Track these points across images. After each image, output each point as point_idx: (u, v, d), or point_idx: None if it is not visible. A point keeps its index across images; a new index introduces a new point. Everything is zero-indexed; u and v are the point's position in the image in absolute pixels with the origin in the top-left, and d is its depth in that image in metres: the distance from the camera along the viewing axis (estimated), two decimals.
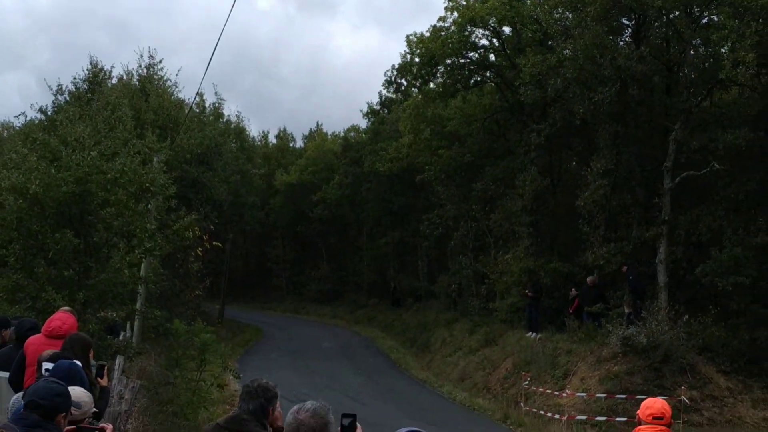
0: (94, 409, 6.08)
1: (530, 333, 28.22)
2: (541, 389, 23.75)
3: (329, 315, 53.31)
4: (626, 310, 24.83)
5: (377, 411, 22.28)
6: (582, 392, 22.58)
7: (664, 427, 6.02)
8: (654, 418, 6.06)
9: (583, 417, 21.25)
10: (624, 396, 21.67)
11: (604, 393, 22.02)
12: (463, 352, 31.90)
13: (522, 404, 23.55)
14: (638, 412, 6.32)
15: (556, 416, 21.55)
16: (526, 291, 28.65)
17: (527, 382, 24.19)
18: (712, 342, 24.81)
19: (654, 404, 6.21)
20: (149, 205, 18.81)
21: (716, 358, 24.55)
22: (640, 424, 6.19)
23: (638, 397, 21.19)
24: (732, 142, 24.21)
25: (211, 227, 35.96)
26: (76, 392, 5.58)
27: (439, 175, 36.68)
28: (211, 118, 46.34)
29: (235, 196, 47.93)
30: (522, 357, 26.76)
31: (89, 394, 6.15)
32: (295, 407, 3.95)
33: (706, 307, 26.60)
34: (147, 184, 16.10)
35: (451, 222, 38.67)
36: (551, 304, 29.58)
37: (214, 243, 34.68)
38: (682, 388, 21.55)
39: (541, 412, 22.35)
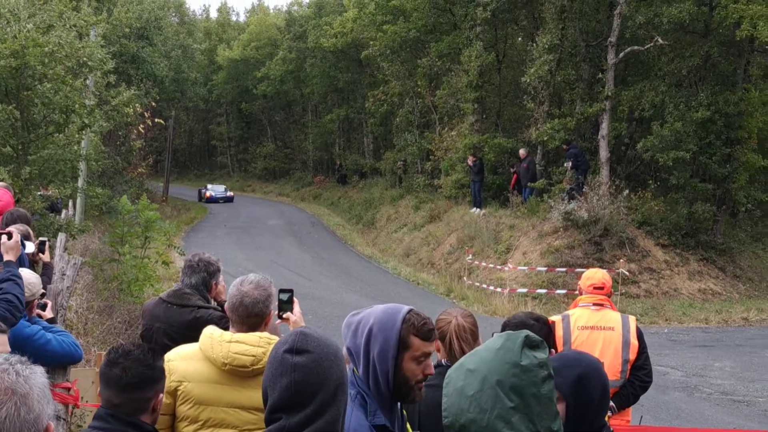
0: (42, 290, 6.03)
1: (474, 209, 28.50)
2: (484, 264, 24.16)
3: (275, 192, 53.34)
4: (567, 186, 25.11)
5: (323, 286, 22.57)
6: (524, 266, 23.05)
7: (604, 297, 6.17)
8: (594, 288, 6.19)
9: (525, 290, 21.74)
10: (564, 269, 22.19)
11: (545, 266, 22.49)
12: (408, 229, 32.25)
13: (465, 278, 23.99)
14: (579, 282, 6.44)
15: (498, 289, 22.02)
16: (469, 163, 28.68)
17: (470, 257, 24.58)
18: (651, 216, 25.38)
19: (595, 275, 6.34)
20: (87, 81, 18.37)
21: (655, 232, 25.16)
22: (581, 295, 6.31)
23: (578, 270, 21.75)
24: (676, 16, 24.17)
25: (153, 104, 35.39)
26: (24, 274, 5.52)
27: (384, 51, 36.21)
28: None
29: (177, 72, 47.07)
30: (466, 232, 27.12)
31: (36, 275, 6.09)
32: (238, 279, 3.96)
33: (646, 181, 27.14)
34: (84, 59, 15.65)
35: (397, 99, 38.51)
36: (495, 180, 29.81)
37: (156, 120, 34.18)
38: (621, 261, 22.07)
39: (484, 285, 22.80)
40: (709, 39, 25.85)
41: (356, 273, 25.92)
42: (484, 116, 32.39)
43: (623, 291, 21.71)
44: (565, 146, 25.69)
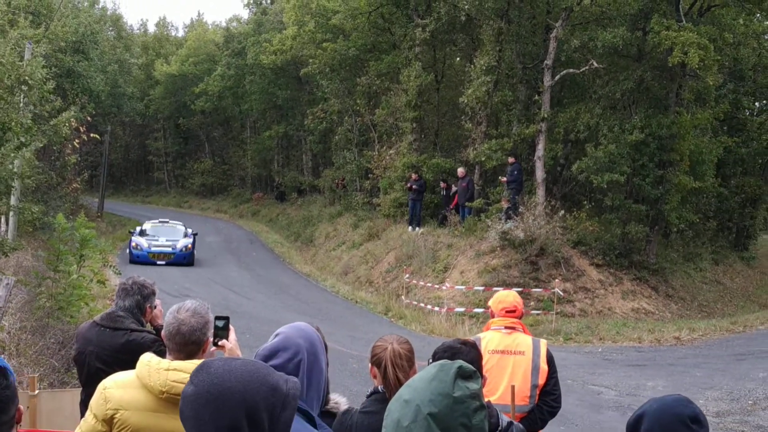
0: None
1: (412, 227, 28.64)
2: (422, 282, 24.27)
3: (213, 209, 52.96)
4: (504, 206, 25.37)
5: (260, 304, 22.45)
6: (461, 285, 23.21)
7: (516, 320, 6.17)
8: (507, 311, 6.18)
9: (462, 309, 21.89)
10: (501, 289, 22.31)
11: (482, 285, 22.67)
12: (346, 247, 32.26)
13: (403, 297, 24.07)
14: (490, 305, 6.42)
15: (436, 308, 22.12)
16: (409, 185, 28.88)
17: (408, 276, 24.68)
18: (586, 236, 25.79)
19: (506, 298, 6.33)
20: (24, 98, 18.11)
21: (589, 252, 25.57)
22: (492, 317, 6.30)
23: (514, 289, 21.95)
24: (610, 41, 24.69)
25: (89, 118, 34.92)
26: None
27: (323, 69, 36.27)
28: (86, 4, 44.43)
29: (113, 87, 46.58)
30: (404, 251, 27.24)
31: None
32: (175, 307, 3.95)
33: (581, 202, 27.54)
34: (25, 77, 15.44)
35: (336, 116, 38.57)
36: (433, 199, 30.00)
37: (91, 135, 33.69)
38: (556, 280, 22.36)
39: (422, 304, 22.90)
40: (642, 63, 26.41)
41: (294, 291, 25.84)
42: (423, 135, 32.64)
43: (558, 310, 22.00)
44: (511, 159, 25.86)
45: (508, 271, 23.60)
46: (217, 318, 4.19)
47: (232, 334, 4.24)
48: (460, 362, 2.61)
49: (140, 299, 5.24)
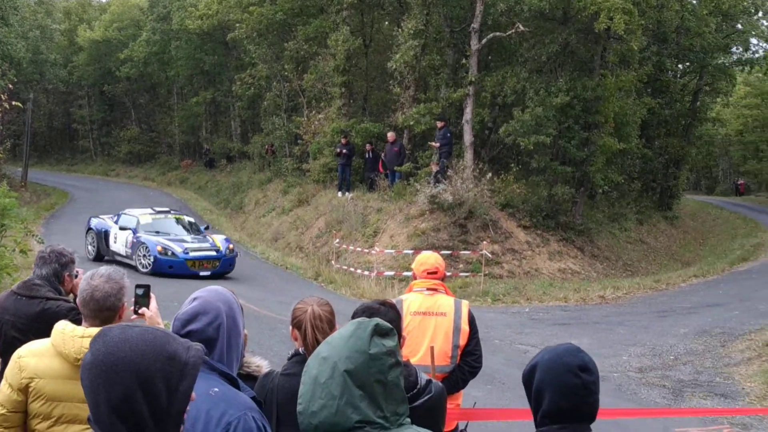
0: None
1: (342, 193, 28.64)
2: (351, 247, 24.34)
3: (140, 177, 52.21)
4: (434, 169, 25.50)
5: None
6: (391, 249, 23.33)
7: (437, 282, 6.22)
8: (428, 273, 6.23)
9: (392, 272, 22.02)
10: (430, 252, 22.51)
11: (411, 249, 22.78)
12: (276, 213, 32.15)
13: (333, 262, 24.12)
14: (413, 267, 6.47)
15: (366, 273, 22.22)
16: (338, 150, 28.82)
17: (338, 241, 24.72)
18: (514, 198, 26.08)
19: (428, 259, 6.38)
20: None
21: (517, 214, 25.88)
22: (415, 279, 6.35)
23: (443, 252, 22.16)
24: (536, 4, 24.85)
25: (10, 86, 34.01)
26: None
27: (250, 34, 35.83)
28: None
29: (35, 54, 45.46)
30: (334, 216, 27.24)
31: None
32: (89, 273, 3.92)
33: (509, 165, 27.84)
34: None
35: (264, 82, 38.22)
36: (362, 164, 30.00)
37: (13, 103, 32.82)
38: (485, 242, 22.58)
39: (352, 269, 22.98)
40: (567, 26, 26.66)
41: None
42: (352, 100, 32.56)
43: (487, 272, 22.27)
44: (440, 123, 25.89)
45: (437, 234, 23.77)
46: (138, 286, 4.17)
47: (153, 302, 4.22)
48: (377, 320, 2.66)
49: (58, 267, 5.18)
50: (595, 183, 28.14)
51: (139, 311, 4.13)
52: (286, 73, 35.35)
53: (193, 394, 2.29)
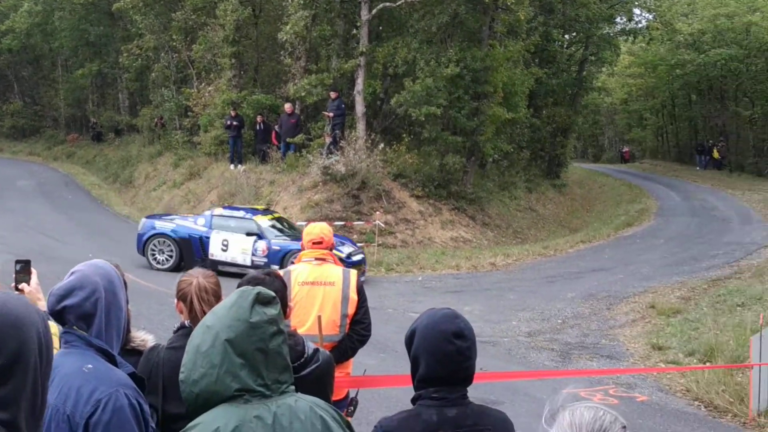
0: None
1: (234, 165, 28.36)
2: None
3: (25, 152, 50.52)
4: (327, 141, 25.49)
5: (77, 248, 21.73)
6: None
7: (325, 251, 6.27)
8: (313, 243, 6.28)
9: None
10: (324, 223, 22.54)
11: (305, 221, 22.66)
12: (167, 186, 31.62)
13: None
14: (302, 239, 6.52)
15: None
16: (227, 122, 28.47)
17: None
18: (406, 168, 26.31)
19: (313, 230, 6.42)
20: None
21: (409, 184, 26.14)
22: (303, 250, 6.40)
23: (337, 223, 22.26)
24: None
25: None
26: None
27: (136, 4, 34.94)
28: None
29: None
30: (226, 189, 26.97)
31: None
32: None
33: (401, 135, 27.98)
34: None
35: (152, 53, 37.38)
36: (254, 136, 29.73)
37: None
38: (378, 213, 22.76)
39: None
40: None
41: (113, 233, 25.13)
42: (242, 71, 32.15)
43: (380, 242, 22.46)
44: (333, 94, 25.83)
45: (331, 205, 23.84)
46: (17, 262, 4.08)
47: (33, 278, 4.14)
48: (259, 289, 2.68)
49: None
50: (485, 152, 28.59)
51: (19, 287, 4.05)
52: (174, 44, 34.66)
53: None
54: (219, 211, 20.38)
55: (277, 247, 19.12)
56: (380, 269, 20.66)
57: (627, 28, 43.43)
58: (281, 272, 5.81)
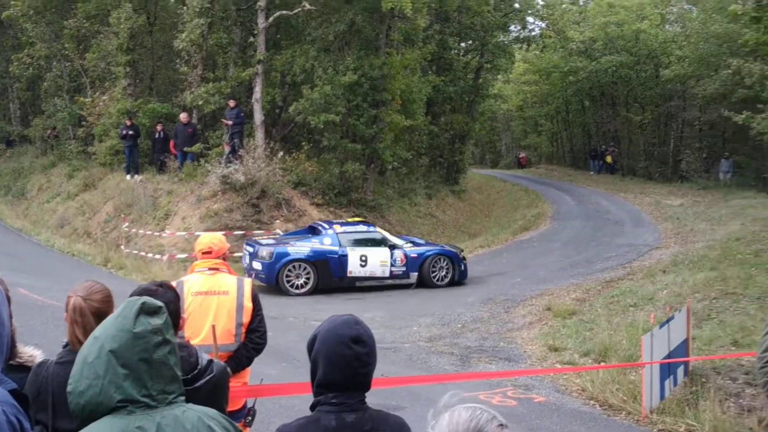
0: None
1: (130, 175, 27.86)
2: (142, 231, 23.79)
3: None
4: (226, 149, 25.29)
5: None
6: (183, 231, 22.98)
7: (218, 261, 6.23)
8: (203, 253, 6.25)
9: (185, 255, 21.69)
10: (223, 232, 22.34)
11: (204, 231, 22.51)
12: (61, 198, 30.86)
13: (123, 247, 23.49)
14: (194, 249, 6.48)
15: (158, 256, 21.81)
16: (122, 132, 27.94)
17: (127, 225, 24.10)
18: (306, 176, 26.31)
19: (203, 240, 6.38)
20: None
21: (310, 192, 26.14)
22: (196, 260, 6.36)
23: (236, 232, 22.11)
24: None
25: None
26: None
27: (27, 12, 34.07)
28: None
29: None
30: (122, 200, 26.49)
31: None
32: None
33: (300, 143, 27.97)
34: None
35: (44, 62, 36.46)
36: (151, 145, 29.28)
37: None
38: (278, 221, 22.69)
39: (143, 253, 22.47)
40: (353, 5, 27.00)
41: (5, 248, 24.44)
42: (138, 80, 31.64)
43: None
44: (232, 102, 25.62)
45: (230, 214, 23.64)
46: None
47: None
48: (145, 298, 2.67)
49: None
50: (384, 159, 28.78)
51: None
52: (67, 53, 33.86)
53: None
54: (338, 228, 19.96)
55: (415, 255, 19.86)
56: None
57: (521, 36, 44.34)
58: (174, 284, 5.75)
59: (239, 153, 24.50)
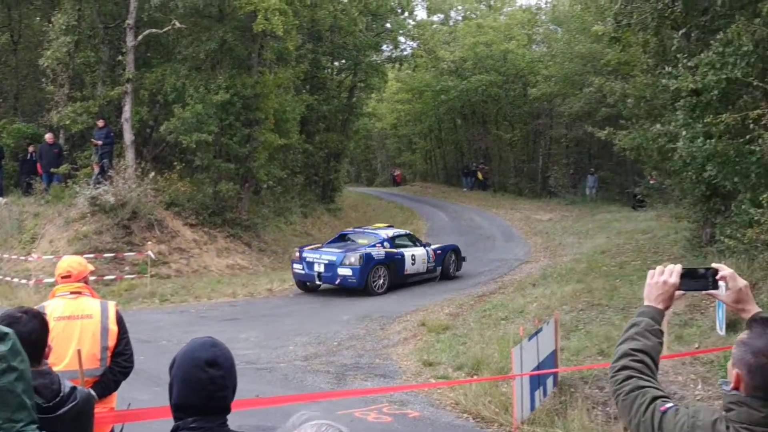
0: None
1: None
2: (7, 255, 22.96)
3: None
4: (95, 170, 24.72)
5: None
6: (50, 255, 22.27)
7: (80, 284, 6.11)
8: (62, 277, 6.13)
9: (52, 279, 21.01)
10: (93, 255, 21.80)
11: (73, 254, 21.90)
12: None
13: None
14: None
15: (24, 281, 21.08)
16: None
17: None
18: (179, 197, 25.97)
19: (61, 264, 6.25)
20: None
21: (183, 212, 25.79)
22: (57, 285, 6.22)
23: (106, 255, 21.62)
24: (190, 1, 24.83)
25: None
26: None
27: None
28: None
29: None
30: None
31: None
32: None
33: (173, 163, 27.58)
34: None
35: None
36: (15, 167, 28.31)
37: None
38: (150, 243, 22.27)
39: (8, 278, 21.68)
40: (224, 24, 26.86)
41: None
42: (1, 99, 30.64)
43: (154, 273, 22.00)
44: (101, 122, 25.03)
45: (100, 237, 23.08)
46: None
47: None
48: None
49: None
50: (259, 178, 28.65)
51: None
52: None
53: None
54: (388, 233, 22.75)
55: (439, 252, 23.24)
56: (154, 300, 20.21)
57: (393, 56, 44.86)
58: (37, 308, 5.59)
59: (109, 174, 23.96)
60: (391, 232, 22.78)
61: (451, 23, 56.66)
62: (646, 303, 3.06)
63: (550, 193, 46.89)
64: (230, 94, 25.82)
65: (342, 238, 23.15)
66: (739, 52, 13.53)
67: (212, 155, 26.89)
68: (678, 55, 15.37)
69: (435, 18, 51.85)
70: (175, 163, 27.35)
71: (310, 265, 21.02)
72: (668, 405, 2.73)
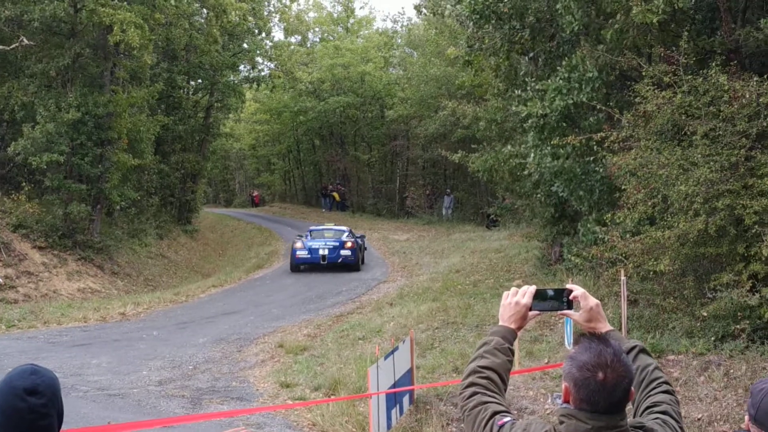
0: None
1: None
2: None
3: None
4: None
5: None
6: None
7: None
8: None
9: None
10: None
11: None
12: None
13: None
14: None
15: None
16: None
17: None
18: (27, 218, 25.07)
19: None
20: None
21: (31, 235, 24.92)
22: None
23: None
24: (42, 17, 24.13)
25: None
26: None
27: None
28: None
29: None
30: None
31: None
32: None
33: (21, 184, 26.60)
34: None
35: None
36: None
37: None
38: None
39: None
40: (77, 40, 26.17)
41: None
42: None
43: (0, 298, 21.13)
44: None
45: None
46: None
47: None
48: None
49: None
50: (111, 200, 28.01)
51: None
52: None
53: None
54: (344, 227, 30.45)
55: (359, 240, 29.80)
56: (0, 327, 19.39)
57: (251, 76, 44.69)
58: None
59: None
60: (345, 227, 30.28)
61: (308, 45, 56.84)
62: (500, 323, 3.16)
63: (407, 214, 47.51)
64: (81, 113, 25.17)
65: (316, 233, 29.15)
66: (584, 77, 14.15)
67: (63, 176, 26.11)
68: (527, 79, 15.93)
69: (293, 39, 51.81)
70: (23, 184, 26.37)
71: (315, 250, 27.39)
72: (506, 419, 2.84)
